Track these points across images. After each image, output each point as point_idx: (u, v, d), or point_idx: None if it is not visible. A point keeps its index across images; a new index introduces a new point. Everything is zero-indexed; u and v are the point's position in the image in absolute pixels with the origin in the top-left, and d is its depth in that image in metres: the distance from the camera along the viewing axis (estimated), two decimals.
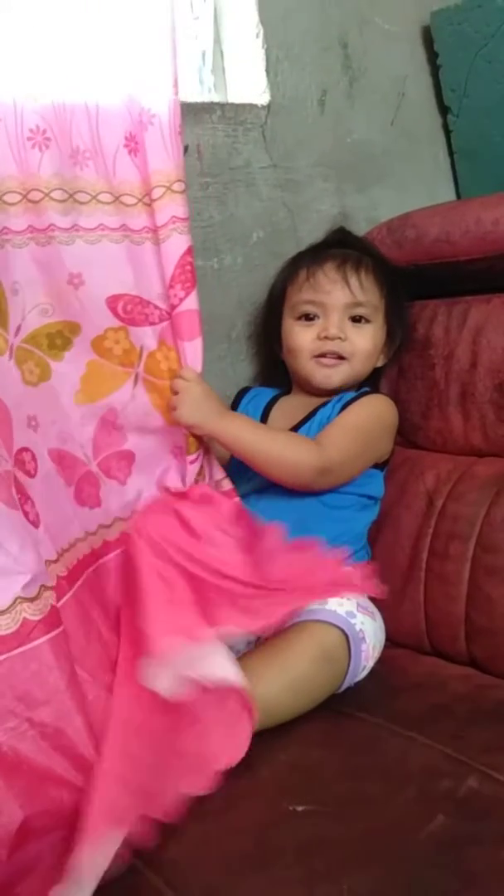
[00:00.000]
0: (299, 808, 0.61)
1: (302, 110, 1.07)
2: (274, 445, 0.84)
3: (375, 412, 0.92)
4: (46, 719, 0.63)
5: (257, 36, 1.02)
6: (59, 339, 0.80)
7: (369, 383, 0.99)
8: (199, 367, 0.81)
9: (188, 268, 0.78)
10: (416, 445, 1.00)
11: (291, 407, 0.96)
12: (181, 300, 0.79)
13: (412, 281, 1.00)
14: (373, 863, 0.55)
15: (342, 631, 0.76)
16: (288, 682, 0.72)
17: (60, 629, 0.67)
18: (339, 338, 0.90)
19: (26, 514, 0.72)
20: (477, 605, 0.85)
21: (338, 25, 1.10)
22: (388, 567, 0.91)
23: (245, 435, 0.83)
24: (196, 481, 0.83)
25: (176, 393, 0.80)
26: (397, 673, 0.83)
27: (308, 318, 0.93)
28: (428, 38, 1.18)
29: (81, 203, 0.77)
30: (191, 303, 0.79)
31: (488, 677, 0.82)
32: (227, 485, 0.86)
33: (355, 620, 0.78)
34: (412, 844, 0.56)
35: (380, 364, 0.98)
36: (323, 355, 0.91)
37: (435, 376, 0.98)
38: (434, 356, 0.98)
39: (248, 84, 1.05)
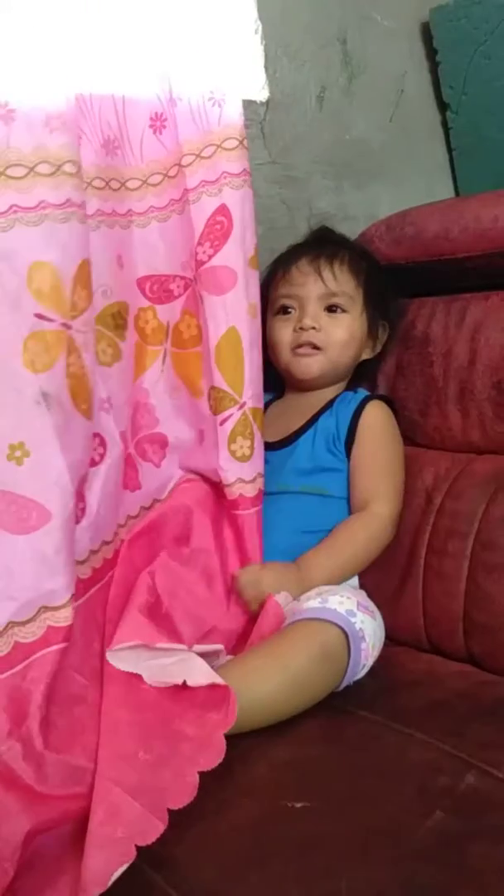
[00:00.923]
0: (298, 805, 0.61)
1: (300, 107, 1.07)
2: (352, 555, 0.87)
3: (387, 431, 0.93)
4: (31, 735, 0.63)
5: (256, 32, 1.02)
6: (119, 318, 0.80)
7: (361, 379, 0.99)
8: (231, 321, 0.82)
9: (217, 227, 0.80)
10: (415, 443, 1.00)
11: (284, 410, 0.96)
12: (210, 257, 0.81)
13: (411, 278, 1.00)
14: (371, 859, 0.55)
15: (342, 630, 0.76)
16: (287, 679, 0.72)
17: (57, 647, 0.66)
18: (314, 328, 0.91)
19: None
20: (475, 601, 0.85)
21: (337, 22, 1.09)
22: (387, 564, 0.91)
23: (329, 574, 0.85)
24: (231, 445, 0.84)
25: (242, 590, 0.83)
26: (396, 670, 0.83)
27: (285, 311, 0.94)
28: (427, 34, 1.18)
29: (114, 190, 0.79)
30: (221, 259, 0.81)
31: (487, 674, 0.82)
32: (251, 490, 0.85)
33: (355, 619, 0.78)
34: (411, 841, 0.56)
35: (366, 357, 0.98)
36: (300, 346, 0.92)
37: (433, 373, 0.98)
38: (433, 353, 0.98)
39: (247, 80, 1.05)
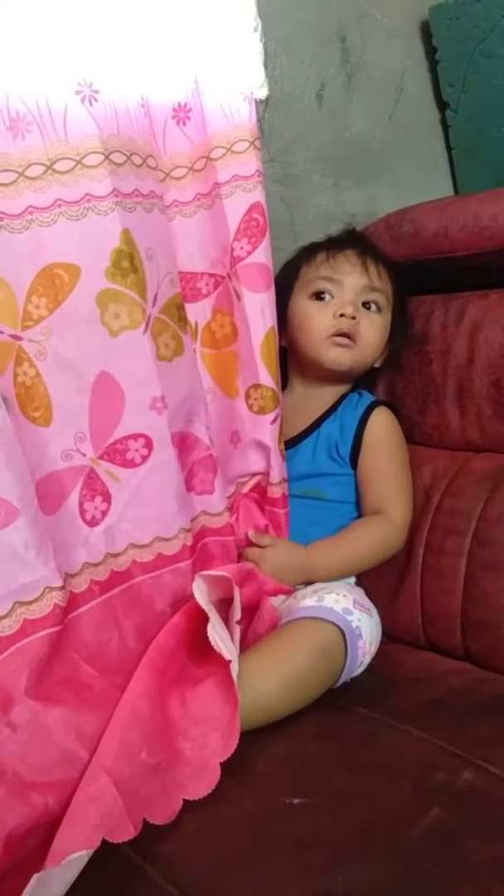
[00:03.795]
0: (295, 802, 0.61)
1: (300, 104, 1.07)
2: (360, 552, 0.88)
3: (394, 436, 0.93)
4: (20, 721, 0.64)
5: (255, 29, 1.02)
6: (182, 311, 0.78)
7: (363, 381, 0.99)
8: (270, 322, 0.82)
9: (253, 223, 0.80)
10: (413, 441, 1.00)
11: (288, 409, 0.93)
12: (248, 253, 0.80)
13: (410, 276, 0.99)
14: (368, 855, 0.55)
15: (339, 628, 0.77)
16: (285, 678, 0.72)
17: (37, 636, 0.67)
18: (354, 317, 0.90)
19: (83, 514, 0.72)
20: (473, 599, 0.86)
21: (336, 19, 1.09)
22: (386, 562, 0.92)
23: (333, 566, 0.87)
24: (280, 445, 0.85)
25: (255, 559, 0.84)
26: (393, 667, 0.83)
27: (321, 296, 0.92)
28: (426, 32, 1.17)
29: (151, 168, 0.77)
30: (259, 256, 0.81)
31: (484, 671, 0.83)
32: (280, 490, 0.86)
33: (352, 617, 0.78)
34: (408, 837, 0.56)
35: (377, 365, 0.98)
36: (337, 334, 0.90)
37: (432, 372, 0.98)
38: (431, 351, 0.98)
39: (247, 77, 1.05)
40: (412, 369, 1.00)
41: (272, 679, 0.72)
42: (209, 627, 0.68)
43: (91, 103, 0.68)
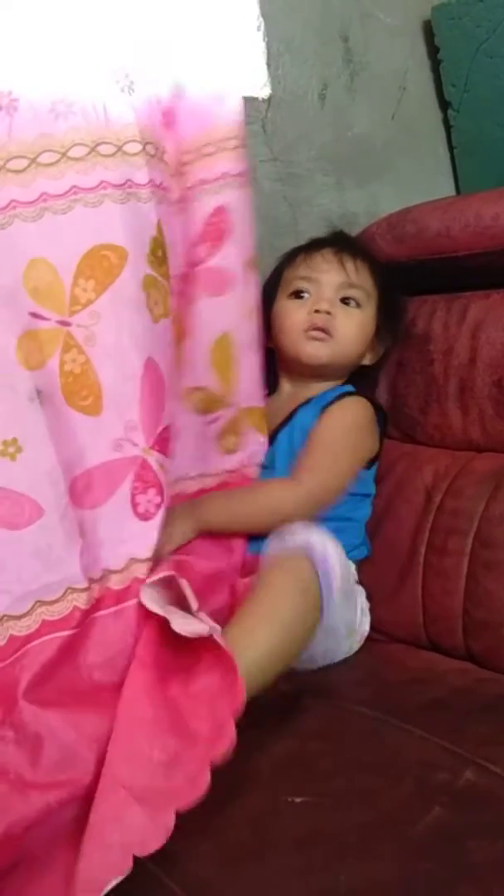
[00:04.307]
0: (297, 800, 0.61)
1: (302, 104, 1.07)
2: (250, 504, 0.86)
3: (348, 419, 0.91)
4: (23, 720, 0.63)
5: (258, 28, 1.02)
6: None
7: (358, 383, 0.99)
8: (227, 324, 0.81)
9: (215, 227, 0.79)
10: (415, 440, 1.01)
11: (274, 408, 0.94)
12: (209, 256, 0.80)
13: (412, 276, 1.00)
14: (370, 854, 0.55)
15: (305, 554, 0.73)
16: (272, 631, 0.70)
17: (50, 636, 0.66)
18: (328, 313, 0.90)
19: (135, 507, 0.70)
20: (475, 599, 0.86)
21: (339, 19, 1.09)
22: (387, 562, 0.92)
23: (226, 511, 0.85)
24: (222, 441, 0.84)
25: None
26: (395, 667, 0.84)
27: (300, 294, 0.93)
28: (429, 32, 1.17)
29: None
30: (220, 260, 0.80)
31: (486, 671, 0.83)
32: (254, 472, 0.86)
33: (314, 540, 0.75)
34: (409, 836, 0.56)
35: (367, 362, 0.98)
36: (312, 328, 0.91)
37: (434, 371, 0.98)
38: (433, 351, 0.98)
39: (249, 77, 1.05)
40: (414, 369, 1.00)
41: (262, 638, 0.69)
42: (172, 625, 0.66)
43: (129, 94, 0.68)
